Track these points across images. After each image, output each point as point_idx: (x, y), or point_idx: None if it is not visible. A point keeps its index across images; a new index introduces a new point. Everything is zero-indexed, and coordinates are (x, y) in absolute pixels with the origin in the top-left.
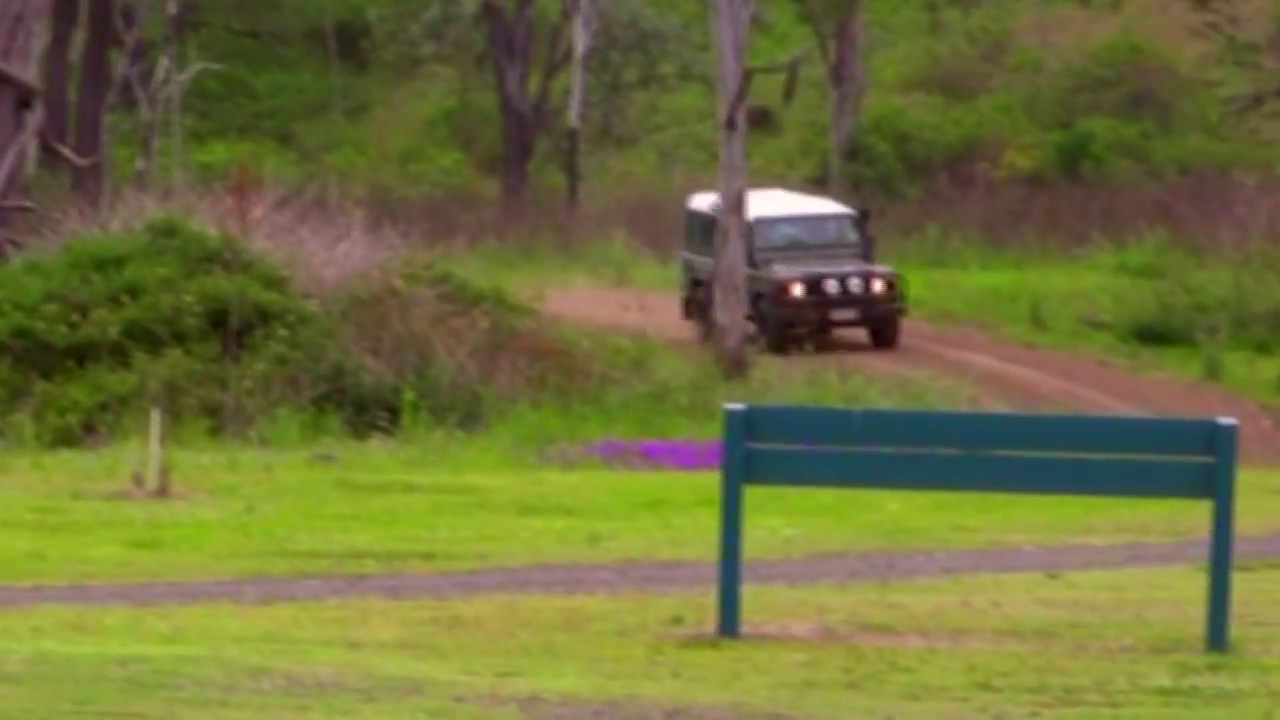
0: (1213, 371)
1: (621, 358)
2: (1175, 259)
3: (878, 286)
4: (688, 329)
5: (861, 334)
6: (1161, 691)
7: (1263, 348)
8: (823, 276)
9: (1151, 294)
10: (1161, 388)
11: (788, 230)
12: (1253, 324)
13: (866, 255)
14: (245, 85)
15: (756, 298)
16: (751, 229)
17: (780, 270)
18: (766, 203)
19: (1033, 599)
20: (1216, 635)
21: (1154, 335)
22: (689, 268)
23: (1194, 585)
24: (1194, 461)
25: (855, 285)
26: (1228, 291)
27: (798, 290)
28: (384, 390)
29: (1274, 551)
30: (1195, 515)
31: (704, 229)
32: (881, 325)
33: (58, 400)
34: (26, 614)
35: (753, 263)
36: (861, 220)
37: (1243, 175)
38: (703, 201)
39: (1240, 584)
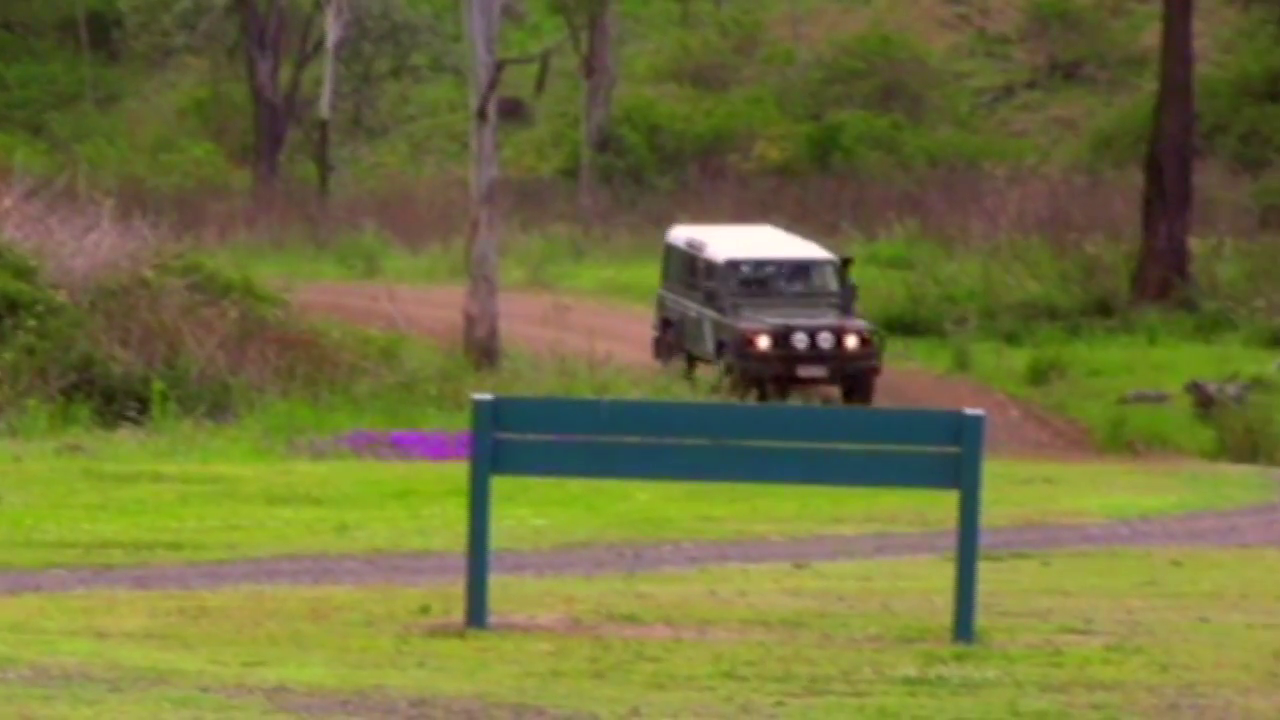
0: (962, 362)
1: (371, 348)
2: (925, 250)
3: (851, 342)
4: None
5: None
6: (907, 681)
7: (1011, 339)
8: (791, 330)
9: (901, 285)
10: (910, 378)
11: (761, 274)
12: (1001, 315)
13: (845, 306)
14: None
15: (720, 345)
16: (721, 270)
17: (746, 320)
18: (745, 242)
19: (780, 589)
20: (963, 625)
21: (904, 326)
22: (660, 304)
23: (941, 575)
24: (941, 452)
25: (826, 341)
26: (977, 283)
27: (763, 343)
28: (133, 380)
29: (1021, 542)
30: (943, 506)
31: (679, 265)
32: (853, 383)
33: None
34: None
35: (719, 307)
36: (843, 268)
37: (992, 167)
38: (679, 236)
39: (987, 574)
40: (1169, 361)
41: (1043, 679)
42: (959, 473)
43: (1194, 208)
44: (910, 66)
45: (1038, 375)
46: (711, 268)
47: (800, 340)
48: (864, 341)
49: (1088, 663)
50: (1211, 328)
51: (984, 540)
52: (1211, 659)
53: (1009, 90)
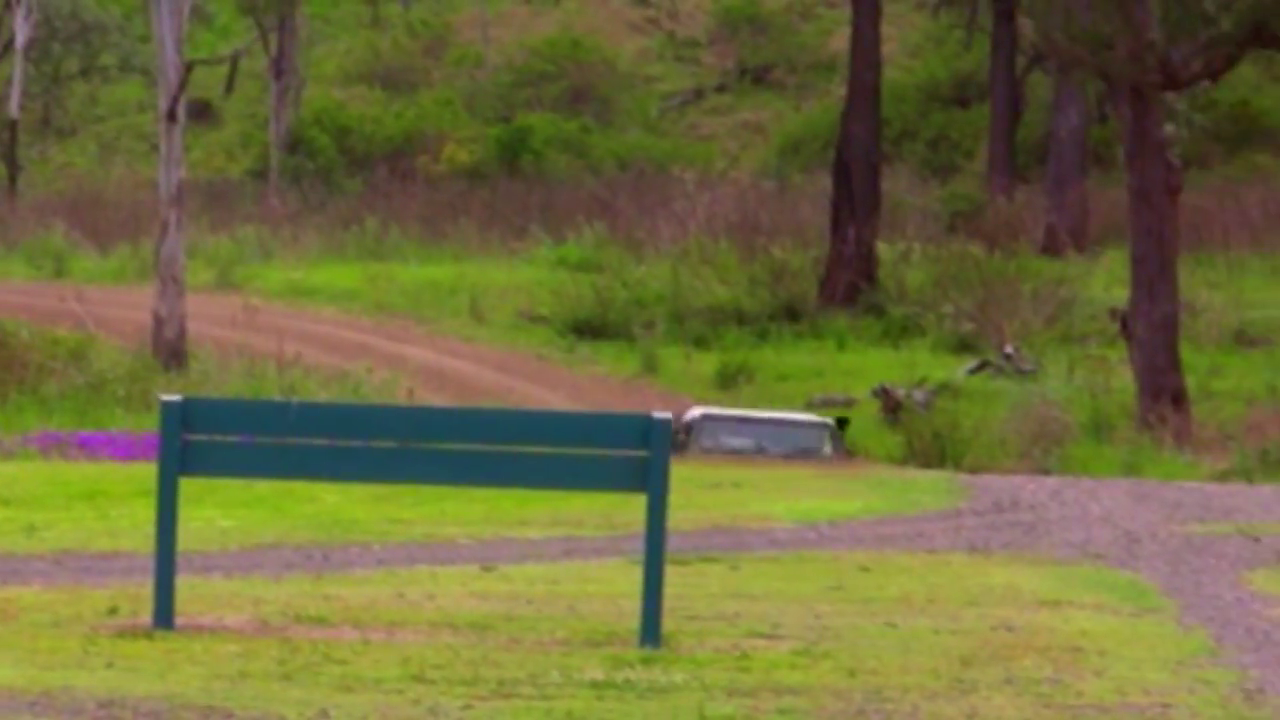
0: (650, 366)
1: (59, 348)
2: (613, 254)
3: None
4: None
5: None
6: (595, 685)
7: (700, 342)
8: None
9: (590, 288)
10: (599, 382)
11: (741, 435)
12: (690, 319)
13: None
14: None
15: None
16: (691, 430)
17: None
18: (727, 409)
19: (468, 592)
20: (650, 629)
21: (592, 329)
22: None
23: (628, 579)
24: (628, 455)
25: None
26: (665, 286)
27: None
28: None
29: (708, 545)
30: (630, 509)
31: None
32: None
33: None
34: None
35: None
36: (839, 431)
37: (681, 171)
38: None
39: (674, 578)
40: (857, 366)
41: (730, 683)
42: (646, 476)
43: (882, 213)
44: (599, 70)
45: (726, 379)
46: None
47: None
48: None
49: (775, 667)
50: (899, 333)
51: (672, 544)
52: (898, 664)
53: (698, 94)
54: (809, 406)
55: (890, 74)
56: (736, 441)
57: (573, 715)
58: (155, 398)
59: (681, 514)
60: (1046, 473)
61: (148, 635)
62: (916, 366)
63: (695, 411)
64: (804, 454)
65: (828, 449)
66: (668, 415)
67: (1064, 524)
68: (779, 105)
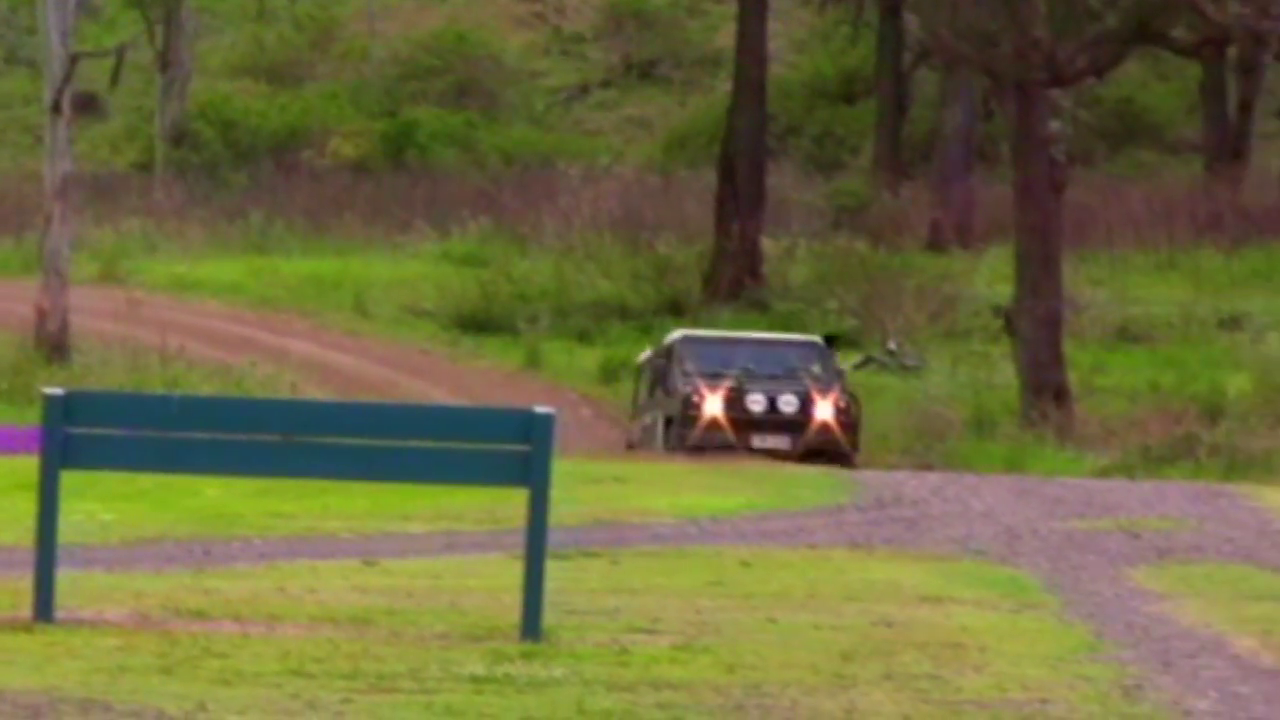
0: (534, 360)
1: None
2: (498, 248)
3: (822, 410)
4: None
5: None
6: (475, 679)
7: (583, 337)
8: (748, 388)
9: (474, 283)
10: (483, 376)
11: (725, 356)
12: (574, 313)
13: (827, 388)
14: None
15: (668, 424)
16: (670, 355)
17: (690, 382)
18: (713, 331)
19: (349, 586)
20: (530, 624)
21: (476, 324)
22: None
23: (509, 573)
24: (510, 450)
25: (789, 405)
26: (550, 281)
27: (713, 407)
28: None
29: (589, 540)
30: (512, 504)
31: (650, 379)
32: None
33: None
34: None
35: (669, 390)
36: (828, 349)
37: (567, 165)
38: (682, 331)
39: (555, 572)
40: None
41: (610, 678)
42: (528, 471)
43: (767, 208)
44: (486, 64)
45: (609, 374)
46: (670, 349)
47: (757, 403)
48: (842, 412)
49: (655, 662)
50: (783, 328)
51: (553, 539)
52: (779, 659)
53: (584, 89)
54: None
55: (776, 70)
56: (719, 366)
57: (452, 709)
58: (38, 391)
59: (563, 508)
60: (929, 468)
61: (27, 629)
62: None
63: (675, 334)
64: (791, 375)
65: (816, 368)
66: (550, 410)
67: (946, 520)
68: (665, 100)
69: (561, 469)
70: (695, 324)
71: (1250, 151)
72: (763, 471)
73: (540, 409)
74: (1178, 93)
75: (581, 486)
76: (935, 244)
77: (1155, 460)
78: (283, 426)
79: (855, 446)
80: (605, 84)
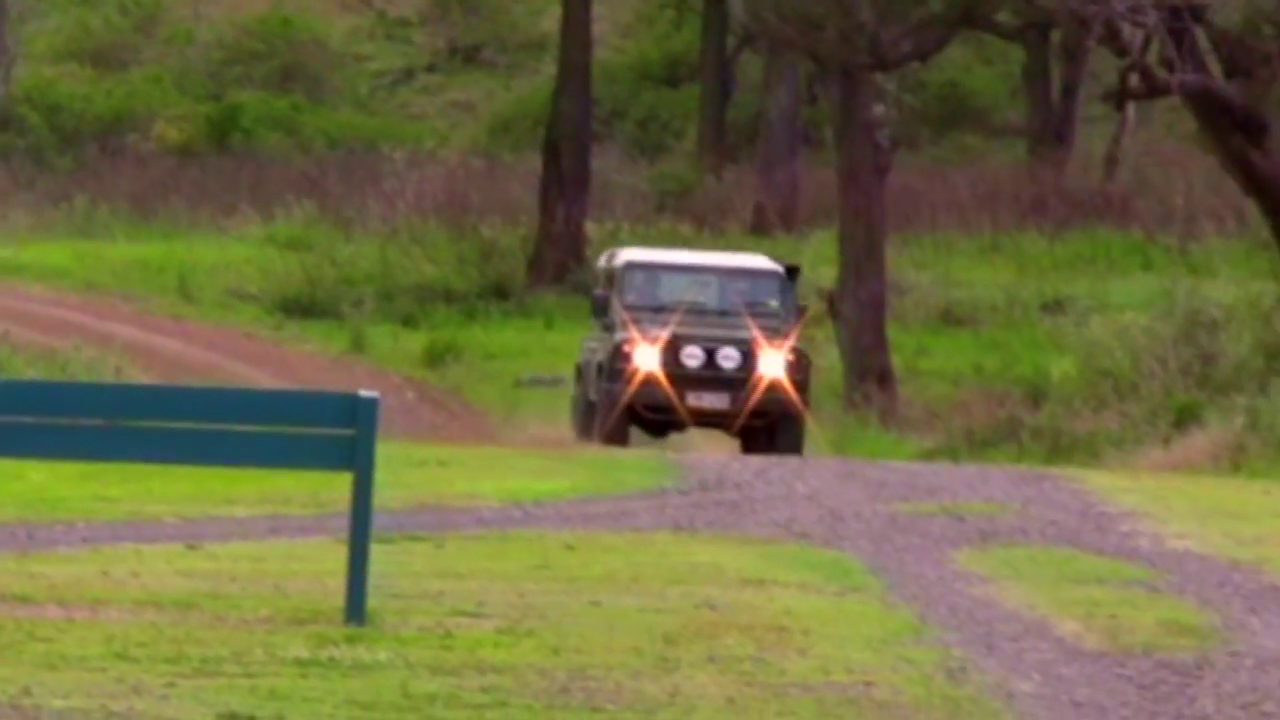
0: (358, 344)
1: None
2: (323, 232)
3: (769, 364)
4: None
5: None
6: (299, 663)
7: (408, 321)
8: (682, 341)
9: (299, 267)
10: (308, 360)
11: (675, 284)
12: (399, 297)
13: (785, 329)
14: None
15: (598, 371)
16: (618, 277)
17: (626, 331)
18: (664, 252)
19: (173, 570)
20: (355, 607)
21: (301, 308)
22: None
23: (334, 557)
24: (335, 434)
25: (729, 359)
26: (374, 265)
27: (645, 360)
28: None
29: (414, 524)
30: (337, 487)
31: (599, 304)
32: (770, 426)
33: None
34: None
35: (608, 325)
36: (790, 279)
37: (391, 150)
38: (628, 255)
39: (380, 556)
40: (565, 345)
41: (434, 661)
42: (353, 455)
43: (591, 192)
44: (310, 48)
45: (434, 358)
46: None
47: (693, 356)
48: (793, 368)
49: (479, 645)
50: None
51: (378, 522)
52: (603, 642)
53: (409, 73)
54: (518, 385)
55: (601, 54)
56: (670, 296)
57: (277, 693)
58: None
59: (388, 492)
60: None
61: None
62: None
63: (620, 256)
64: (752, 310)
65: (775, 303)
66: (375, 394)
67: (769, 503)
68: (489, 84)
69: (386, 452)
70: (521, 307)
71: (1074, 136)
72: (587, 456)
73: (364, 393)
74: (1002, 77)
75: (406, 470)
76: (759, 228)
77: (979, 443)
78: (107, 410)
79: (806, 405)
80: (430, 68)
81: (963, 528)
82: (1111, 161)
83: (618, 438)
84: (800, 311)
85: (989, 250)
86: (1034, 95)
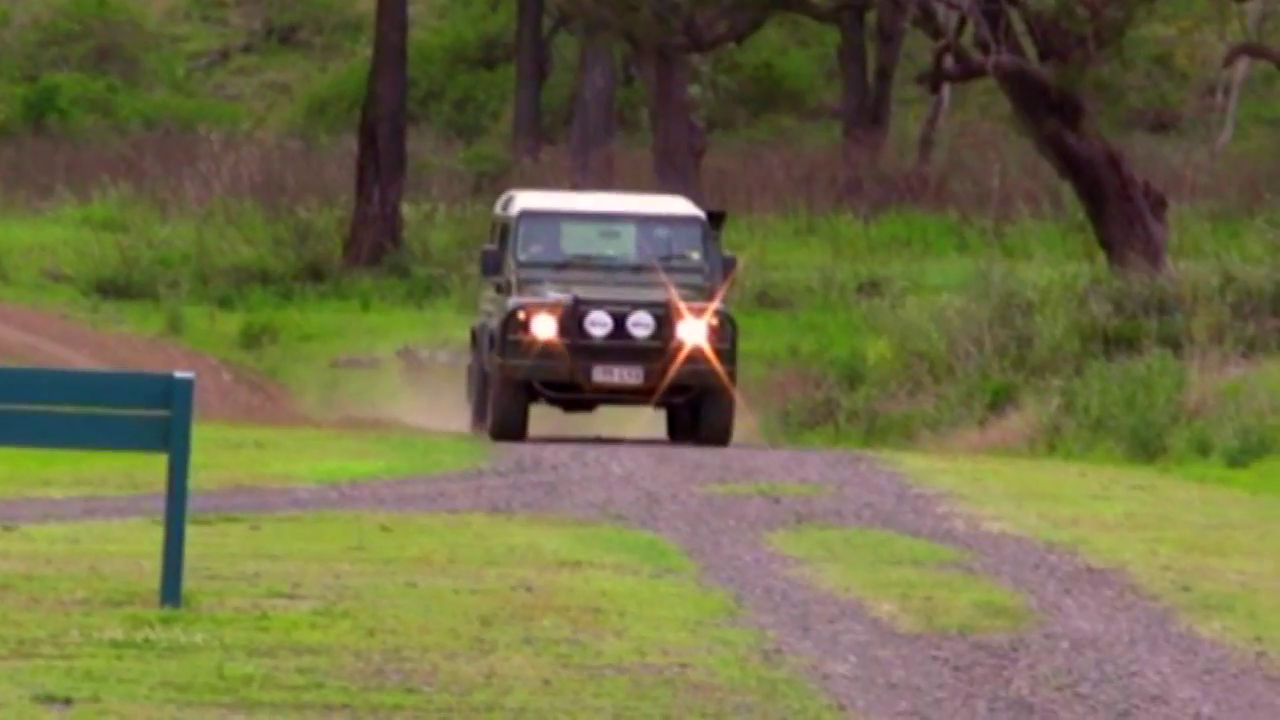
0: (175, 326)
1: None
2: (139, 213)
3: (689, 331)
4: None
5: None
6: (115, 644)
7: (224, 302)
8: (586, 306)
9: (115, 248)
10: (124, 341)
11: (579, 236)
12: (215, 278)
13: (709, 287)
14: None
15: (490, 343)
16: (512, 229)
17: (520, 293)
18: (564, 198)
19: None
20: (170, 589)
21: (117, 289)
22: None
23: (150, 539)
24: (150, 415)
25: (641, 326)
26: (190, 246)
27: (543, 327)
28: None
29: (230, 506)
30: (153, 469)
31: (490, 261)
32: (692, 402)
33: None
34: None
35: (501, 286)
36: (714, 226)
37: (208, 130)
38: (524, 202)
39: (195, 537)
40: (381, 326)
41: (250, 643)
42: (168, 436)
43: (407, 174)
44: (126, 29)
45: (250, 339)
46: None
47: (598, 324)
48: (714, 334)
49: (295, 627)
50: (423, 293)
51: (194, 504)
52: (418, 623)
53: (225, 54)
54: (334, 367)
55: (417, 35)
56: (572, 249)
57: (92, 674)
58: None
59: (204, 473)
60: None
61: None
62: (440, 326)
63: (514, 204)
64: (669, 265)
65: (696, 255)
66: (190, 375)
67: (585, 484)
68: (306, 66)
69: (201, 434)
70: (337, 289)
71: (889, 118)
72: (403, 436)
73: (180, 374)
74: (817, 59)
75: (222, 451)
76: None
77: (795, 425)
78: None
79: (733, 379)
80: (246, 49)
81: (778, 509)
82: (926, 143)
83: (513, 423)
84: (728, 265)
85: (804, 232)
86: (849, 77)
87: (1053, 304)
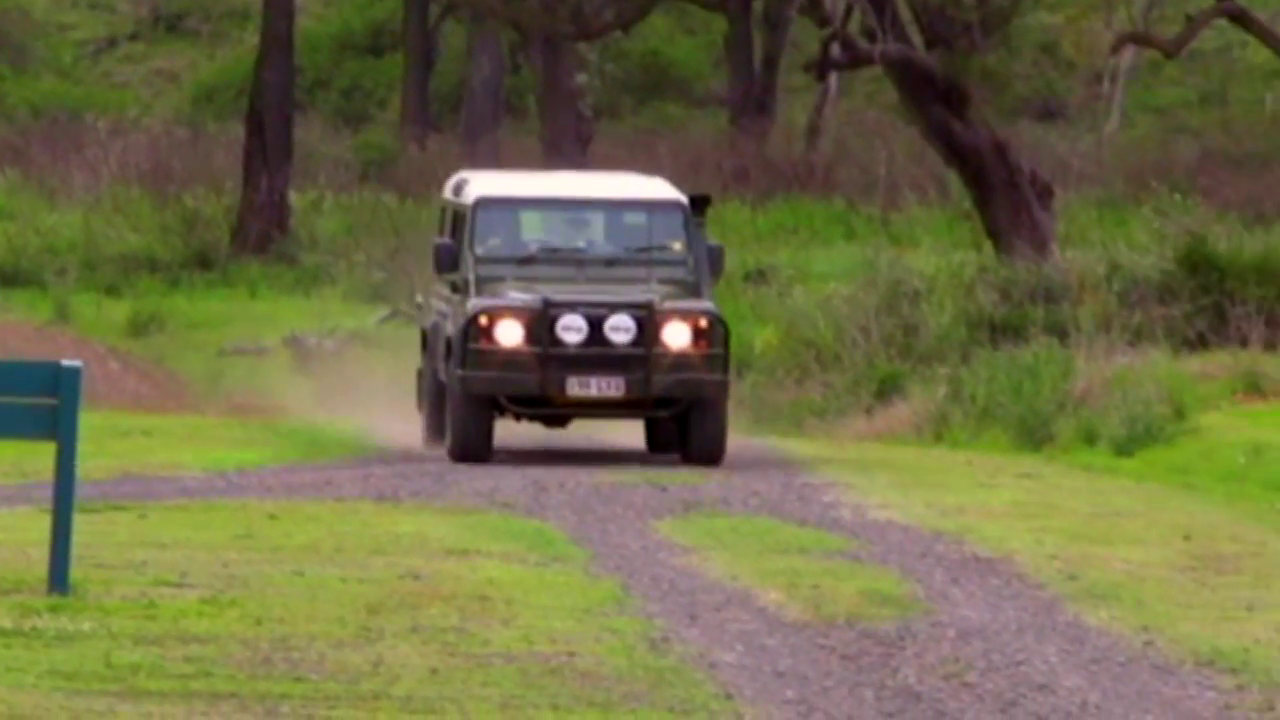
0: (62, 314)
1: None
2: (26, 201)
3: (675, 336)
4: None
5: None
6: (2, 633)
7: (112, 290)
8: (559, 309)
9: (2, 236)
10: (12, 330)
11: (544, 225)
12: (102, 266)
13: (694, 283)
14: None
15: (448, 353)
16: (469, 219)
17: (480, 294)
18: (525, 180)
19: None
20: (58, 577)
21: (4, 277)
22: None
23: (38, 527)
24: (38, 403)
25: (621, 331)
26: (78, 234)
27: (508, 334)
28: None
29: (118, 494)
30: (40, 457)
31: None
32: (681, 417)
33: None
34: None
35: (457, 285)
36: (698, 212)
37: (95, 118)
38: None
39: (83, 526)
40: (269, 314)
41: (137, 631)
42: (56, 424)
43: (295, 162)
44: (13, 17)
45: (138, 327)
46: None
47: (572, 328)
48: (700, 336)
49: (183, 615)
50: (311, 281)
51: (81, 492)
52: (305, 612)
53: (112, 42)
54: (221, 355)
55: (304, 23)
56: (538, 242)
57: None
58: None
59: (92, 462)
60: None
61: None
62: (328, 315)
63: (469, 189)
64: (649, 257)
65: (679, 246)
66: (78, 363)
67: (472, 473)
68: (193, 53)
69: (89, 422)
70: (225, 277)
71: (776, 106)
72: (291, 424)
73: (68, 362)
74: (704, 46)
75: (110, 440)
76: None
77: None
78: None
79: (726, 390)
80: (133, 37)
81: (665, 498)
82: (814, 131)
83: (476, 444)
84: (715, 256)
85: None
86: (736, 65)
87: (940, 292)
